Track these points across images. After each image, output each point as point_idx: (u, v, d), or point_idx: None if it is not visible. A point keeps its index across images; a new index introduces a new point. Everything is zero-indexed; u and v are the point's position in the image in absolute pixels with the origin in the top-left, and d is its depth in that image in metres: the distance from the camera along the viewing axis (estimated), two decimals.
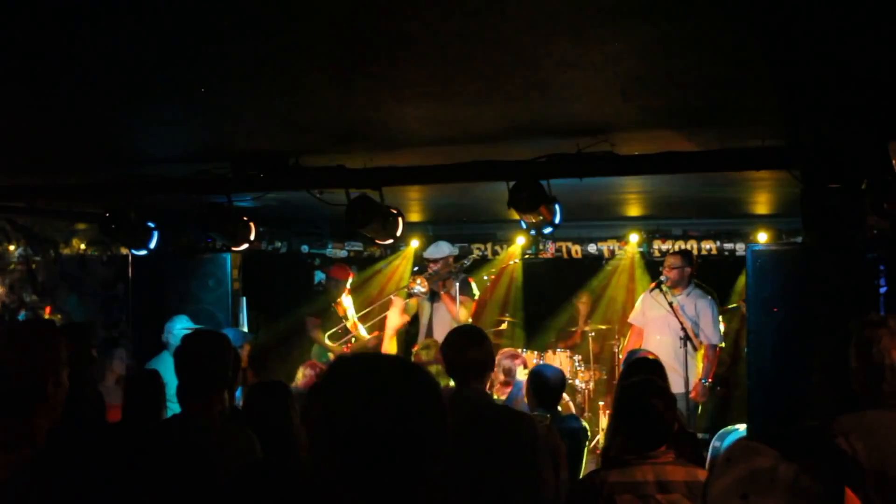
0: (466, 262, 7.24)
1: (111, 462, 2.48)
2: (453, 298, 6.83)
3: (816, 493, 1.29)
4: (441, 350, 3.59)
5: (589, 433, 6.40)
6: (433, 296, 7.06)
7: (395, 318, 6.09)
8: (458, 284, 6.90)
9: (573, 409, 7.13)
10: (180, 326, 6.00)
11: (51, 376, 2.31)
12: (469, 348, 3.37)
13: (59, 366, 2.36)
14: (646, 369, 3.99)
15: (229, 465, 2.57)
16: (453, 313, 6.78)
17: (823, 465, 1.33)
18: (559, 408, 4.96)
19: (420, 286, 6.88)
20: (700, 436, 4.95)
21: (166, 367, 5.83)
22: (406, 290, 7.07)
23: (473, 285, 7.14)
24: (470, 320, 6.83)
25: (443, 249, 7.05)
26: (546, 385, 4.60)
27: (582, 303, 8.99)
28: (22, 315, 6.58)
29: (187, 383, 3.05)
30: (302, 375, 5.28)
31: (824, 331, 4.15)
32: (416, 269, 7.65)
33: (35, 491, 2.13)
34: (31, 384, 2.26)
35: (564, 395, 7.25)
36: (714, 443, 5.76)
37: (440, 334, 6.52)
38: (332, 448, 1.40)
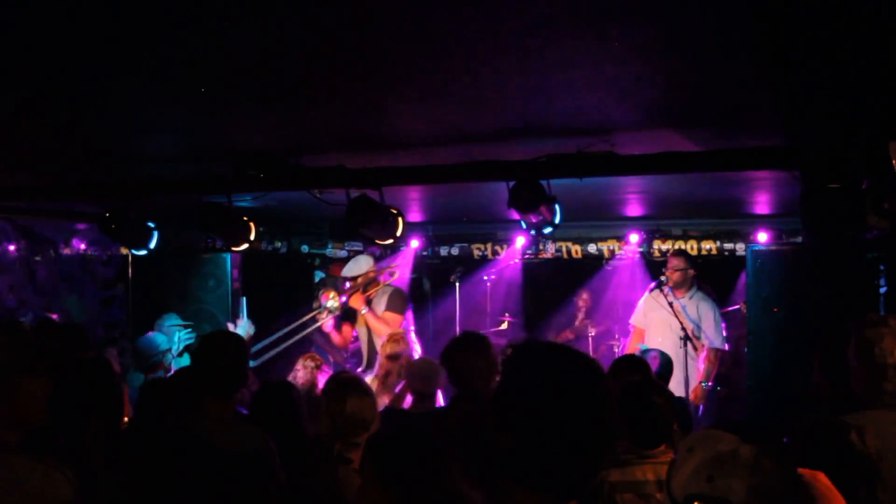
0: (394, 274, 6.56)
1: (124, 463, 2.47)
2: (376, 315, 6.22)
3: (776, 472, 1.38)
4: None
5: None
6: (348, 315, 6.37)
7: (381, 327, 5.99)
8: (385, 298, 6.30)
9: None
10: (168, 324, 6.01)
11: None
12: (477, 359, 3.35)
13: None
14: (632, 367, 3.96)
15: (245, 464, 2.58)
16: (375, 331, 6.15)
17: (780, 446, 1.43)
18: None
19: (333, 300, 6.23)
20: None
21: None
22: (319, 305, 6.39)
23: (404, 296, 6.46)
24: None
25: (361, 266, 6.38)
26: None
27: (582, 300, 9.01)
28: (25, 318, 6.58)
29: (206, 383, 3.05)
30: (302, 367, 5.26)
31: (824, 331, 4.15)
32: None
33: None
34: None
35: None
36: None
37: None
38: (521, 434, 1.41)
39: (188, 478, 2.02)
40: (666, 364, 4.93)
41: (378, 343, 6.09)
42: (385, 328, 6.07)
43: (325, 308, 6.27)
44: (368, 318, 6.20)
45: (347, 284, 6.36)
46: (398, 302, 6.32)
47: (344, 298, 6.29)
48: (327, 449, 3.05)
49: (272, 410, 3.49)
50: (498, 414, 1.45)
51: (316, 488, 2.92)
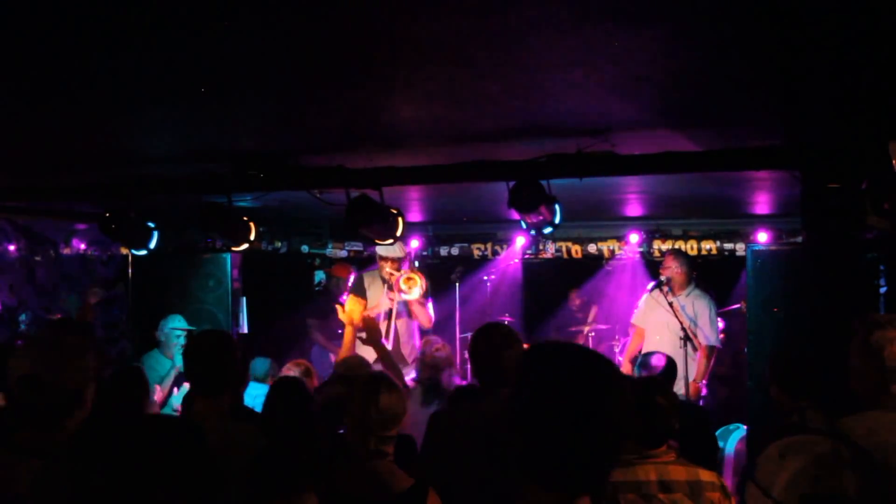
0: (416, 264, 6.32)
1: (112, 458, 2.46)
2: (421, 302, 5.98)
3: (873, 471, 1.45)
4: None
5: None
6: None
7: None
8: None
9: None
10: (171, 326, 6.02)
11: (89, 382, 2.31)
12: (508, 349, 3.22)
13: (92, 370, 2.36)
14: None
15: (235, 464, 2.57)
16: (421, 319, 5.93)
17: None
18: None
19: (418, 286, 5.81)
20: None
21: (156, 362, 5.87)
22: (398, 294, 5.92)
23: (426, 283, 6.11)
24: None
25: (397, 250, 5.99)
26: None
27: (571, 299, 9.07)
28: (23, 315, 6.58)
29: (195, 382, 3.05)
30: (290, 371, 5.19)
31: (824, 331, 4.15)
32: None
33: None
34: (71, 393, 2.27)
35: None
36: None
37: (409, 346, 6.01)
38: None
39: (176, 474, 2.02)
40: (670, 366, 4.92)
41: (406, 342, 6.05)
42: (423, 312, 5.98)
43: (408, 297, 5.90)
44: (413, 304, 6.00)
45: (403, 265, 6.05)
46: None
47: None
48: (359, 444, 2.99)
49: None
50: (513, 412, 1.47)
51: (357, 484, 2.89)
